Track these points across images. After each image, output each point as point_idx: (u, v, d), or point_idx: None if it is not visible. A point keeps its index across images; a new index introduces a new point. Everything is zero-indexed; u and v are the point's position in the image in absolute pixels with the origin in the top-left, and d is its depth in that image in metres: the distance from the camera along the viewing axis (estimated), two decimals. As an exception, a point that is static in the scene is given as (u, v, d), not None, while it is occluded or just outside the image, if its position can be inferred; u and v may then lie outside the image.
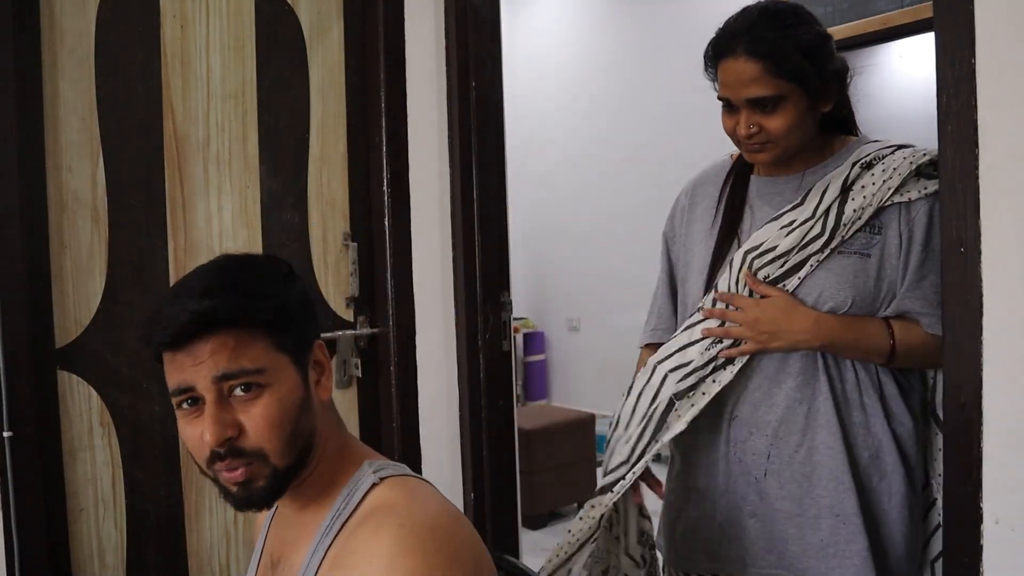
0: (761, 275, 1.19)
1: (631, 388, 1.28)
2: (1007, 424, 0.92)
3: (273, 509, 0.98)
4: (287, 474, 0.83)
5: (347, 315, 1.85)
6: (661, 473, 1.31)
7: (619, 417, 1.28)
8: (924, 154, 1.15)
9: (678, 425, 1.20)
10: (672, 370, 1.22)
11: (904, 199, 1.15)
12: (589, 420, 3.64)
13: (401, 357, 1.83)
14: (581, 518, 1.24)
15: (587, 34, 4.88)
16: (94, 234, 1.54)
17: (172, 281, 1.61)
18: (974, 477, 0.94)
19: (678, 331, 1.27)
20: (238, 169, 1.70)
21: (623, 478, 1.23)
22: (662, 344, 1.29)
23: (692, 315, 1.26)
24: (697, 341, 1.22)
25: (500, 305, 1.84)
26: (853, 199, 1.15)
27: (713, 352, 1.20)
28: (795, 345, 1.17)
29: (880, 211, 1.16)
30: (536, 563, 1.25)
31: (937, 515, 1.21)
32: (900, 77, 3.72)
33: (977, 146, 0.93)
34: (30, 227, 1.45)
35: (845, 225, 1.15)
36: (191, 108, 1.64)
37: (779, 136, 1.15)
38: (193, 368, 0.80)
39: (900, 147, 1.18)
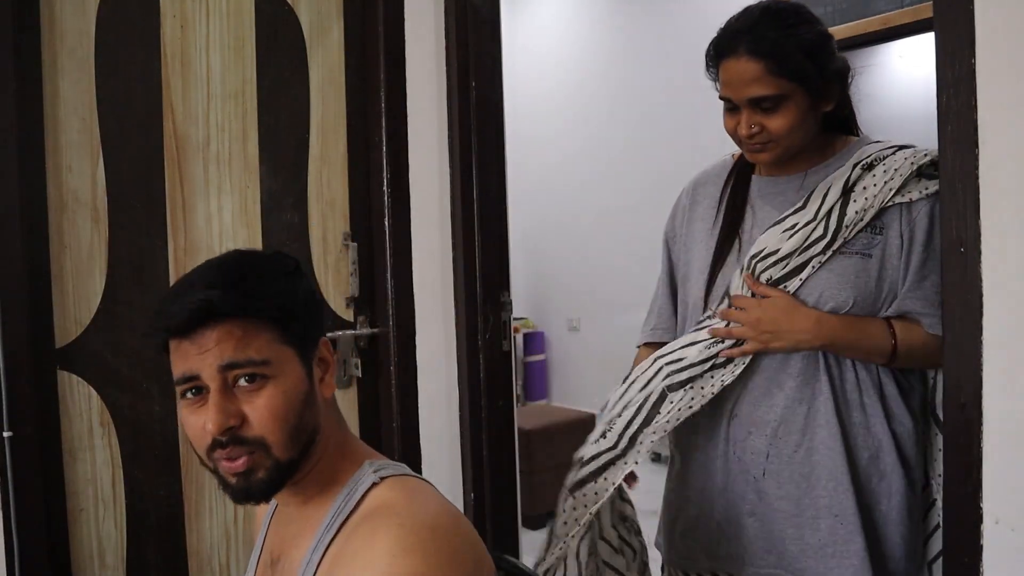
0: (763, 277, 1.19)
1: (626, 378, 1.28)
2: (1007, 424, 0.92)
3: (273, 507, 0.99)
4: (288, 467, 0.83)
5: (347, 315, 1.85)
6: (661, 473, 1.31)
7: (607, 401, 1.28)
8: (925, 154, 1.15)
9: (669, 424, 1.19)
10: (669, 363, 1.23)
11: (905, 200, 1.15)
12: (589, 420, 3.62)
13: (401, 357, 1.83)
14: (566, 522, 1.23)
15: (587, 33, 4.88)
16: (94, 234, 1.54)
17: (172, 281, 1.61)
18: (974, 477, 0.94)
19: (688, 330, 1.27)
20: (238, 169, 1.70)
21: (612, 463, 1.21)
22: (661, 343, 1.28)
23: (704, 316, 1.26)
24: (701, 341, 1.22)
25: (500, 305, 1.84)
26: (855, 201, 1.15)
27: (713, 351, 1.20)
28: (796, 345, 1.17)
29: (882, 211, 1.15)
30: (536, 563, 1.25)
31: (936, 515, 1.21)
32: (900, 77, 3.72)
33: (977, 146, 0.92)
34: (30, 227, 1.45)
35: (847, 227, 1.15)
36: (191, 108, 1.64)
37: (781, 136, 1.15)
38: (199, 356, 0.80)
39: (901, 148, 1.18)
